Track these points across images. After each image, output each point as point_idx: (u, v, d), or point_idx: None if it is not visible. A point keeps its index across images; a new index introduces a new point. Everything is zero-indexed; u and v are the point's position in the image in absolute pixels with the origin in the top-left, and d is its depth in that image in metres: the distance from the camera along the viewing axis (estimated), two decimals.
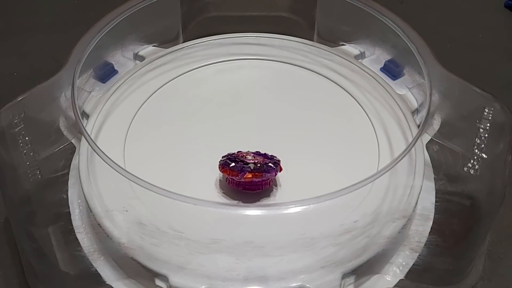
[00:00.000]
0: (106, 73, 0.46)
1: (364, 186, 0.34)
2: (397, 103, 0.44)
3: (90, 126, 0.42)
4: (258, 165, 0.37)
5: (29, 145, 0.38)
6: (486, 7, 0.63)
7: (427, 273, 0.38)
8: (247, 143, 0.40)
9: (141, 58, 0.48)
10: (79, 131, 0.40)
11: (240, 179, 0.37)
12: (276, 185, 0.39)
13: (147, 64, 0.47)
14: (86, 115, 0.43)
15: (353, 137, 0.42)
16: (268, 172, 0.37)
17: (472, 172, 0.38)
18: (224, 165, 0.37)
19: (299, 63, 0.47)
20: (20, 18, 0.61)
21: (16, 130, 0.39)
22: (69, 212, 0.39)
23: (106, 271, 0.37)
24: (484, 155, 0.38)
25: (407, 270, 0.37)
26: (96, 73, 0.46)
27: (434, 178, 0.41)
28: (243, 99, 0.45)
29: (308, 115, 0.44)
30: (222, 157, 0.38)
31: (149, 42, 0.49)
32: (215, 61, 0.47)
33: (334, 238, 0.36)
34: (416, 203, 0.38)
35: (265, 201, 0.38)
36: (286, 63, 0.47)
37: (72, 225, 0.38)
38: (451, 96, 0.42)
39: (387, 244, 0.36)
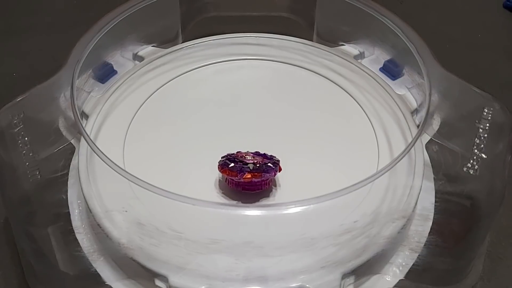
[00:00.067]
0: (105, 74, 0.46)
1: (364, 186, 0.34)
2: (396, 103, 0.44)
3: (89, 127, 0.42)
4: (258, 165, 0.37)
5: (29, 146, 0.38)
6: (485, 7, 0.63)
7: (426, 273, 0.38)
8: (247, 143, 0.40)
9: (140, 59, 0.48)
10: (78, 132, 0.40)
11: (239, 179, 0.37)
12: (275, 185, 0.39)
13: (147, 65, 0.47)
14: (85, 116, 0.43)
15: (352, 137, 0.42)
16: (268, 172, 0.37)
17: (471, 172, 0.38)
18: (223, 165, 0.37)
19: (298, 63, 0.47)
20: (20, 18, 0.61)
21: (15, 130, 0.39)
22: (69, 212, 0.39)
23: (105, 272, 0.37)
24: (483, 155, 0.38)
25: (406, 270, 0.37)
26: (96, 74, 0.46)
27: (434, 178, 0.41)
28: (243, 100, 0.45)
29: (307, 115, 0.44)
30: (222, 157, 0.38)
31: (148, 42, 0.49)
32: (214, 61, 0.47)
33: (334, 238, 0.36)
34: (416, 203, 0.38)
35: (264, 201, 0.38)
36: (285, 63, 0.47)
37: (71, 226, 0.38)
38: (450, 96, 0.42)
39: (387, 244, 0.36)
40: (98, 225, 0.36)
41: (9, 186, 0.38)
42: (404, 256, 0.38)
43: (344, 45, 0.50)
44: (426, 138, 0.42)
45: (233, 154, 0.38)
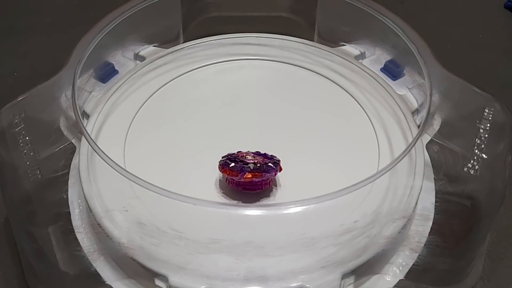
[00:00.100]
0: (106, 73, 0.46)
1: (364, 186, 0.34)
2: (397, 103, 0.44)
3: (90, 126, 0.42)
4: (258, 165, 0.37)
5: (30, 145, 0.38)
6: (486, 7, 0.63)
7: (427, 273, 0.38)
8: (247, 143, 0.40)
9: (142, 58, 0.48)
10: (79, 131, 0.40)
11: (240, 179, 0.37)
12: (276, 185, 0.39)
13: (148, 64, 0.47)
14: (86, 115, 0.43)
15: (353, 137, 0.42)
16: (268, 172, 0.37)
17: (472, 173, 0.38)
18: (224, 165, 0.37)
19: (299, 64, 0.47)
20: (20, 18, 0.61)
21: (16, 130, 0.39)
22: (69, 212, 0.39)
23: (106, 271, 0.37)
24: (484, 155, 0.38)
25: (407, 270, 0.37)
26: (97, 73, 0.46)
27: (434, 179, 0.41)
28: (243, 99, 0.45)
29: (308, 115, 0.44)
30: (222, 157, 0.38)
31: (149, 42, 0.49)
32: (215, 61, 0.47)
33: (334, 238, 0.36)
34: (416, 203, 0.38)
35: (265, 201, 0.38)
36: (286, 64, 0.47)
37: (72, 225, 0.38)
38: (451, 97, 0.42)
39: (387, 244, 0.36)
40: (99, 224, 0.36)
41: (9, 185, 0.38)
42: (404, 256, 0.38)
43: (345, 45, 0.50)
44: (426, 138, 0.42)
45: (234, 154, 0.38)
